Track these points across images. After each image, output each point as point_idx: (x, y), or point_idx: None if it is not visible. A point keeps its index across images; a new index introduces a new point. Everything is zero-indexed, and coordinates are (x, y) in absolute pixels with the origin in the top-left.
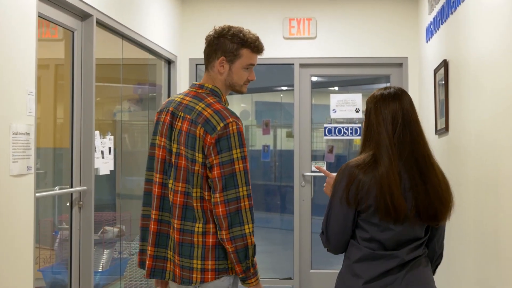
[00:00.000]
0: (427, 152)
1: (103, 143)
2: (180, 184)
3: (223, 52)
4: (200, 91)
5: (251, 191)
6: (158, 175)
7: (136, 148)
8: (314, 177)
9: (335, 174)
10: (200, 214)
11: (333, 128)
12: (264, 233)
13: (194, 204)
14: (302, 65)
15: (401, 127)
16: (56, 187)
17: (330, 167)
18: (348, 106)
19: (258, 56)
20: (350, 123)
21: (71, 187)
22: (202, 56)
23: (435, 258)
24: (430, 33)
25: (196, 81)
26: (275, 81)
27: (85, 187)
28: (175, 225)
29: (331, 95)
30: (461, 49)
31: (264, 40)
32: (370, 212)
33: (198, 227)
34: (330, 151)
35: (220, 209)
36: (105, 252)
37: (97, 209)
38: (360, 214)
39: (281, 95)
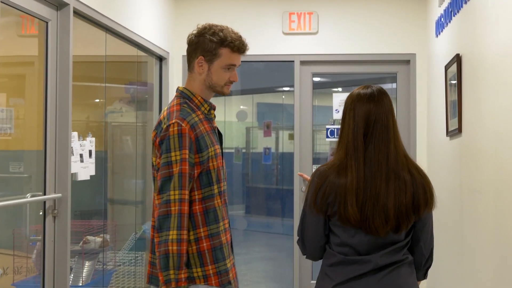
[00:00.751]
0: (401, 158)
1: (83, 146)
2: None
3: (202, 51)
4: (175, 95)
5: (186, 195)
6: None
7: (125, 151)
8: None
9: None
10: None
11: (335, 129)
12: (266, 239)
13: (153, 211)
14: (303, 62)
15: (373, 131)
16: (28, 194)
17: None
18: None
19: (255, 53)
20: None
21: (44, 194)
22: None
23: (423, 262)
24: (440, 26)
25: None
26: (277, 81)
27: (59, 194)
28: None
29: (334, 94)
30: (477, 42)
31: (262, 36)
32: (337, 217)
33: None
34: (333, 154)
35: (156, 212)
36: (86, 264)
37: (79, 217)
38: (330, 219)
39: (283, 96)
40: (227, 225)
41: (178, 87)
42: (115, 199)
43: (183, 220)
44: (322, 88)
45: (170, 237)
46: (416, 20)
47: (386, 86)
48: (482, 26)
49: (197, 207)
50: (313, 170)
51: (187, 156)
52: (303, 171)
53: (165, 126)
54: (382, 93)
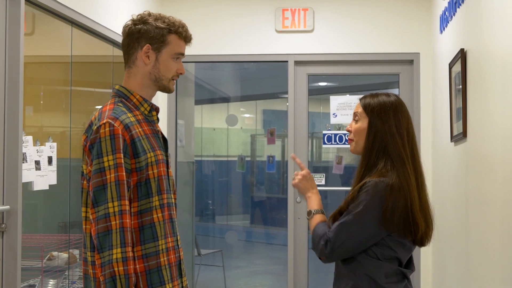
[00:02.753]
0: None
1: (40, 152)
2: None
3: (147, 39)
4: (111, 94)
5: (127, 206)
6: None
7: None
8: None
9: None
10: (88, 239)
11: (333, 135)
12: (269, 251)
13: (83, 227)
14: (297, 63)
15: (412, 139)
16: None
17: (342, 180)
18: (350, 110)
19: (246, 53)
20: None
21: None
22: (186, 52)
23: None
24: (444, 21)
25: (176, 81)
26: (281, 87)
27: (7, 207)
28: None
29: (331, 97)
30: (484, 36)
31: (253, 34)
32: (402, 232)
33: (88, 256)
34: (339, 162)
35: (92, 229)
36: (50, 282)
37: (42, 231)
38: (391, 234)
39: (287, 104)
40: (172, 243)
41: (115, 85)
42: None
43: (126, 235)
44: (320, 94)
45: (114, 256)
46: (420, 16)
47: (392, 91)
48: (488, 17)
49: (131, 222)
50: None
51: (122, 161)
52: None
53: (95, 127)
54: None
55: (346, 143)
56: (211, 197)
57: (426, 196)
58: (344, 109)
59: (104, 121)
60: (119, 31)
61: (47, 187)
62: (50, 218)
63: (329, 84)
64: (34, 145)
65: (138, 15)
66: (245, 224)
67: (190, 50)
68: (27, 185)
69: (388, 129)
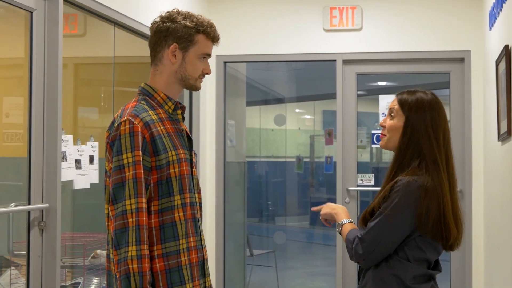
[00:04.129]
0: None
1: (81, 151)
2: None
3: (175, 38)
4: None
5: (144, 204)
6: None
7: None
8: (361, 191)
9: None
10: (109, 236)
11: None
12: (328, 252)
13: (106, 224)
14: (345, 62)
15: (447, 139)
16: (12, 204)
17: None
18: None
19: (294, 52)
20: None
21: (29, 203)
22: (232, 52)
23: None
24: (493, 17)
25: (225, 81)
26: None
27: (46, 205)
28: None
29: (380, 96)
30: None
31: (301, 34)
32: (433, 234)
33: (110, 253)
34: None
35: (111, 226)
36: (94, 280)
37: (86, 230)
38: (422, 234)
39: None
40: (195, 243)
41: (141, 84)
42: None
43: (142, 233)
44: (370, 95)
45: (129, 253)
46: (471, 13)
47: (442, 92)
48: None
49: (152, 220)
50: (358, 179)
51: (140, 159)
52: (347, 181)
53: (117, 124)
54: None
55: None
56: (265, 198)
57: (457, 201)
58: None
59: (125, 118)
60: None
61: (88, 186)
62: (94, 217)
63: (389, 83)
64: (74, 144)
65: (166, 13)
66: (304, 225)
67: (237, 50)
68: (68, 184)
69: (425, 130)
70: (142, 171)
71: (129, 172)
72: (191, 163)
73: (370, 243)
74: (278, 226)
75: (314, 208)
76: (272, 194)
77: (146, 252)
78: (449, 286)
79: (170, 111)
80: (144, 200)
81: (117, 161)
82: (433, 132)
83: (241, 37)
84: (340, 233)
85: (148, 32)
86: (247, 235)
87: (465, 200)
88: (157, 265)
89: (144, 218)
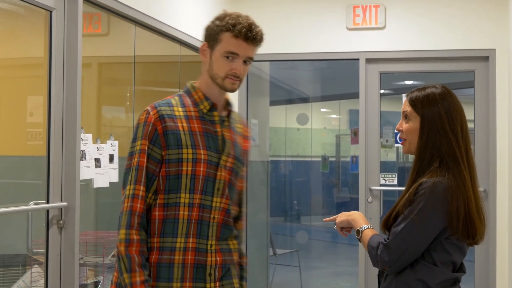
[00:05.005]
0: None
1: (100, 149)
2: None
3: (205, 37)
4: None
5: (141, 192)
6: None
7: None
8: (384, 191)
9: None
10: None
11: None
12: (353, 252)
13: None
14: (369, 61)
15: (466, 133)
16: (31, 202)
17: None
18: None
19: (317, 51)
20: None
21: (47, 202)
22: None
23: None
24: None
25: (247, 80)
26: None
27: (65, 203)
28: None
29: (403, 95)
30: None
31: (324, 32)
32: (460, 234)
33: None
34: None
35: None
36: None
37: (107, 228)
38: (448, 237)
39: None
40: (193, 245)
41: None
42: None
43: (133, 219)
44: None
45: (119, 236)
46: (496, 11)
47: (467, 92)
48: None
49: (156, 212)
50: (381, 179)
51: (146, 148)
52: (370, 180)
53: None
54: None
55: None
56: (290, 197)
57: (478, 194)
58: None
59: (147, 108)
60: (187, 31)
61: (107, 185)
62: (115, 215)
63: (415, 82)
64: (94, 143)
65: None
66: (330, 224)
67: (261, 49)
68: (87, 183)
69: (441, 126)
70: (145, 160)
71: (134, 159)
72: (218, 166)
73: (396, 250)
74: (303, 226)
75: (326, 219)
76: (297, 193)
77: (135, 236)
78: (473, 287)
79: (205, 111)
80: (141, 187)
81: (130, 147)
82: (449, 126)
83: (264, 36)
84: (359, 240)
85: (168, 31)
86: (271, 235)
87: (490, 200)
88: (153, 256)
89: (138, 205)
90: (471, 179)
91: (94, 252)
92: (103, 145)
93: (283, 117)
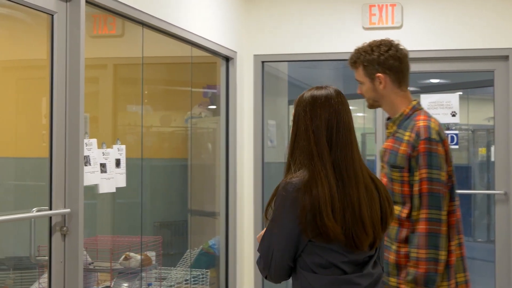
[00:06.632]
0: (363, 165)
1: (106, 154)
2: None
3: None
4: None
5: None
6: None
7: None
8: None
9: None
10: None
11: None
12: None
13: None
14: None
15: (337, 135)
16: (34, 209)
17: None
18: (442, 109)
19: (332, 51)
20: (445, 129)
21: (50, 208)
22: (269, 51)
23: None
24: None
25: (263, 81)
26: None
27: (68, 210)
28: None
29: (422, 95)
30: None
31: (339, 32)
32: (318, 235)
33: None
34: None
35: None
36: (124, 285)
37: (119, 233)
38: (311, 239)
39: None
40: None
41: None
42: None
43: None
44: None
45: (440, 257)
46: None
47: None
48: None
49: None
50: None
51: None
52: None
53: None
54: (341, 93)
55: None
56: None
57: (349, 188)
58: (435, 108)
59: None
60: (198, 32)
61: (113, 190)
62: (126, 219)
63: (441, 81)
64: (99, 148)
65: None
66: None
67: (275, 49)
68: (92, 188)
69: (304, 126)
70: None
71: (440, 187)
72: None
73: (264, 257)
74: None
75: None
76: None
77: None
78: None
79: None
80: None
81: (434, 173)
82: (312, 124)
83: (279, 37)
84: None
85: (181, 33)
86: None
87: (510, 203)
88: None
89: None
90: (341, 180)
91: (105, 257)
92: (109, 149)
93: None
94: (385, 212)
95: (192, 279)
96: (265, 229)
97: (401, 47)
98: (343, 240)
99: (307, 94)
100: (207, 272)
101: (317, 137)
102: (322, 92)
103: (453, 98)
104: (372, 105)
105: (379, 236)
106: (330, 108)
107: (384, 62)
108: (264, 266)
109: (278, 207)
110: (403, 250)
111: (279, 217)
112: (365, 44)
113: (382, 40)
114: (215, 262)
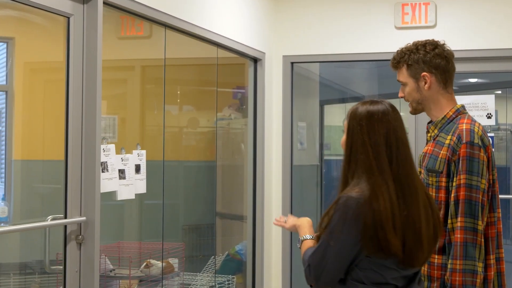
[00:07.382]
0: (421, 182)
1: (125, 160)
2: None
3: None
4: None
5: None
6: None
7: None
8: None
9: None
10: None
11: None
12: None
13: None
14: None
15: (397, 150)
16: (49, 218)
17: None
18: (477, 111)
19: (364, 51)
20: None
21: (65, 217)
22: (299, 52)
23: None
24: None
25: (292, 82)
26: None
27: (84, 218)
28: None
29: (456, 97)
30: None
31: (371, 32)
32: (377, 251)
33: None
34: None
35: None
36: None
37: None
38: (369, 255)
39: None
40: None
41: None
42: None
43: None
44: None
45: (479, 269)
46: None
47: None
48: None
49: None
50: None
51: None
52: None
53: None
54: (396, 109)
55: None
56: None
57: (410, 206)
58: (470, 110)
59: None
60: (224, 33)
61: (133, 197)
62: (154, 226)
63: (480, 80)
64: (118, 154)
65: None
66: None
67: (305, 50)
68: (111, 195)
69: (361, 140)
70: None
71: (479, 196)
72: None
73: (316, 268)
74: None
75: (276, 223)
76: None
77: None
78: None
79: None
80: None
81: (473, 180)
82: (370, 139)
83: (309, 37)
84: (300, 249)
85: (202, 34)
86: None
87: None
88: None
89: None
90: (403, 196)
91: (127, 264)
92: (128, 155)
93: (339, 116)
94: (436, 231)
95: (218, 286)
96: (292, 221)
97: (447, 47)
98: (401, 256)
99: (362, 108)
100: (233, 278)
101: (376, 152)
102: (379, 107)
103: (488, 100)
104: (416, 108)
105: (431, 254)
106: (388, 124)
107: (431, 61)
108: (314, 277)
109: (338, 221)
110: (437, 261)
111: (338, 231)
112: (409, 44)
113: (427, 40)
114: (242, 268)
